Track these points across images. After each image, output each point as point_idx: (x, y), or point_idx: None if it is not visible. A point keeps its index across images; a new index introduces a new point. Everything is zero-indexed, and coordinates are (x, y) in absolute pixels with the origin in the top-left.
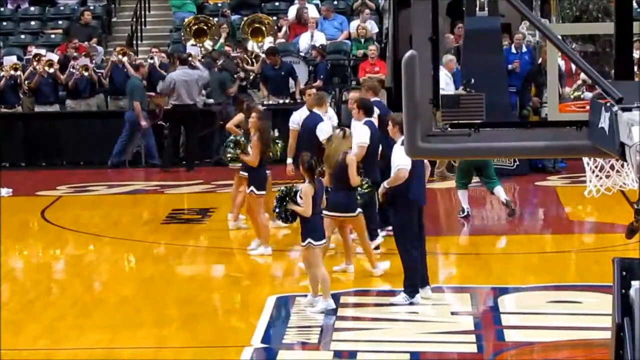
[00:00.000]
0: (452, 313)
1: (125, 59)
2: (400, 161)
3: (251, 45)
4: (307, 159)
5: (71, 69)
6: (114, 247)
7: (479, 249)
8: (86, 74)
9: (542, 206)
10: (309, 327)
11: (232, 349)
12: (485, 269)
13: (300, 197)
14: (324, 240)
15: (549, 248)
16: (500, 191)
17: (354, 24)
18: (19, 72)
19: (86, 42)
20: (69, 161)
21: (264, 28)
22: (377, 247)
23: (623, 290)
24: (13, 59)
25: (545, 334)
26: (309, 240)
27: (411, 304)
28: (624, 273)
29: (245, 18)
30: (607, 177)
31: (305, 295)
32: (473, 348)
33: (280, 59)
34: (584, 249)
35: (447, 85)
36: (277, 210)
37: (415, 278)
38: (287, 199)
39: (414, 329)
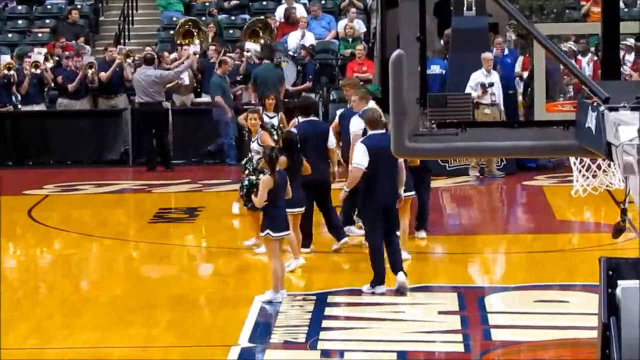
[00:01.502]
0: (440, 312)
1: (129, 60)
2: (356, 159)
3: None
4: (268, 152)
5: (69, 66)
6: (101, 246)
7: (466, 248)
8: (90, 71)
9: (529, 205)
10: (297, 326)
11: (220, 348)
12: (473, 268)
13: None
14: (283, 233)
15: (536, 247)
16: None
17: (342, 23)
18: (12, 72)
19: (73, 41)
20: (56, 160)
21: (259, 30)
22: None
23: (609, 290)
24: (7, 58)
25: (532, 334)
26: (267, 231)
27: (373, 293)
28: (611, 272)
29: (248, 20)
30: (594, 176)
31: (294, 295)
32: (460, 347)
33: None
34: (571, 248)
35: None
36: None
37: (379, 269)
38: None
39: (401, 329)
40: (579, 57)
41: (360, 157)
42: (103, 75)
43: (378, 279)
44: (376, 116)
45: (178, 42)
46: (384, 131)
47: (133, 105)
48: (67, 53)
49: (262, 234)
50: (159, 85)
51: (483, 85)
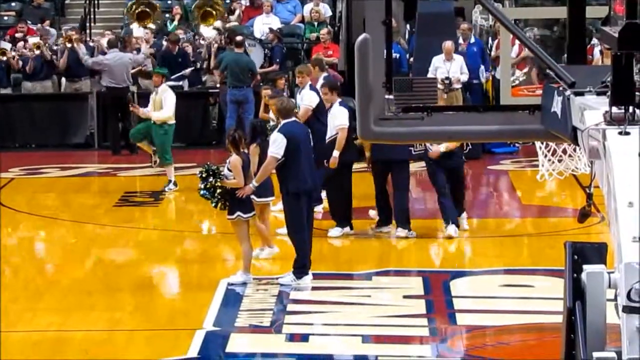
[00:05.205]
0: (405, 297)
1: (80, 44)
2: (273, 149)
3: (205, 29)
4: (232, 132)
5: (23, 50)
6: (66, 229)
7: (432, 232)
8: (37, 52)
9: (495, 190)
10: (261, 310)
11: (185, 331)
12: (438, 252)
13: (230, 170)
14: (252, 213)
15: (501, 232)
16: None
17: (308, 7)
18: None
19: (39, 24)
20: (21, 143)
21: (214, 12)
22: None
23: (575, 274)
24: None
25: (497, 318)
26: (238, 213)
27: (298, 285)
28: (576, 257)
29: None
30: (560, 161)
31: (259, 279)
32: (425, 332)
33: None
34: (536, 233)
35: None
36: (202, 191)
37: (306, 259)
38: (212, 177)
39: (366, 313)
40: None
41: (277, 147)
42: (61, 61)
43: (304, 269)
44: (287, 105)
45: (137, 23)
46: (294, 119)
47: (99, 89)
48: (30, 38)
49: (231, 217)
50: (128, 68)
51: (446, 80)
